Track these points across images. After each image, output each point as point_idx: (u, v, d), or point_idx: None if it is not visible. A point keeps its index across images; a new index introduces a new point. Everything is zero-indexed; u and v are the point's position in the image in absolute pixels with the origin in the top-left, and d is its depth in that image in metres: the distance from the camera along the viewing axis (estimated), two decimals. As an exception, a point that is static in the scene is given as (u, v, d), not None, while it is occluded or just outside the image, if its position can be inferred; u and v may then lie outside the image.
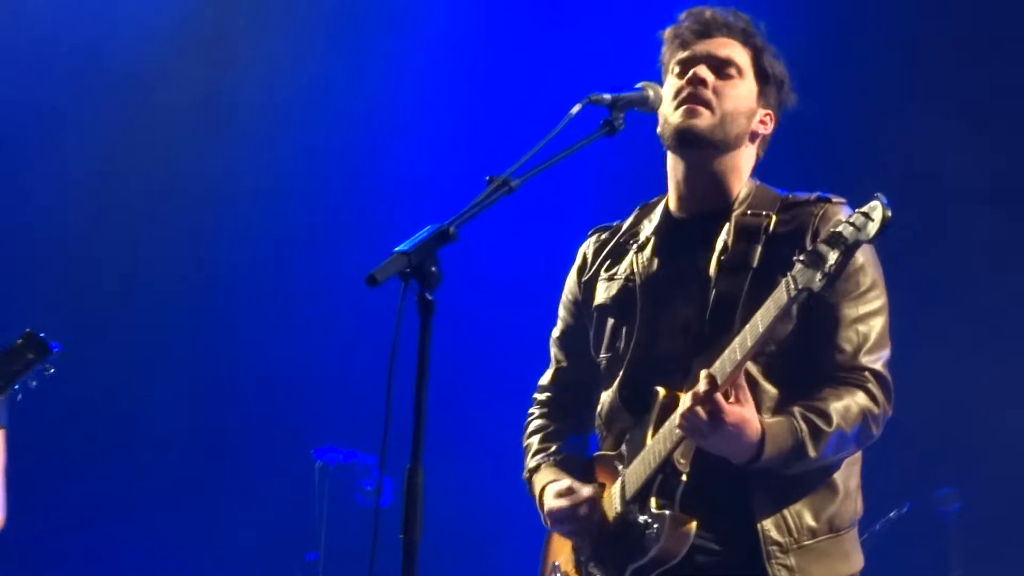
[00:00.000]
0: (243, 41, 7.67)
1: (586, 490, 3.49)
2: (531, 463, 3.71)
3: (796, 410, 3.25)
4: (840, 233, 3.02)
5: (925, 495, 6.24)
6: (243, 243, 7.60)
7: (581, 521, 3.48)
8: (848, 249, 3.02)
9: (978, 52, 6.72)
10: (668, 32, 3.58)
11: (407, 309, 2.74)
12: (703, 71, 3.46)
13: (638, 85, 3.32)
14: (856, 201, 3.11)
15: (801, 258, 3.07)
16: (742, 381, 3.18)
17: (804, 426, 3.23)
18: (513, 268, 7.28)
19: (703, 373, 3.17)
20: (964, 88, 6.71)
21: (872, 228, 2.99)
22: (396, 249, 2.77)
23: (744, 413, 3.16)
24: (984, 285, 6.62)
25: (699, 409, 3.14)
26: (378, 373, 2.76)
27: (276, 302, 7.55)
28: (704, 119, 3.43)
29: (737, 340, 3.16)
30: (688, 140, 3.45)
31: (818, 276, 3.03)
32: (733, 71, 3.48)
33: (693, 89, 3.45)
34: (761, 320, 3.13)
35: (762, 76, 3.51)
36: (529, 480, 3.70)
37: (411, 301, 2.75)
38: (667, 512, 3.27)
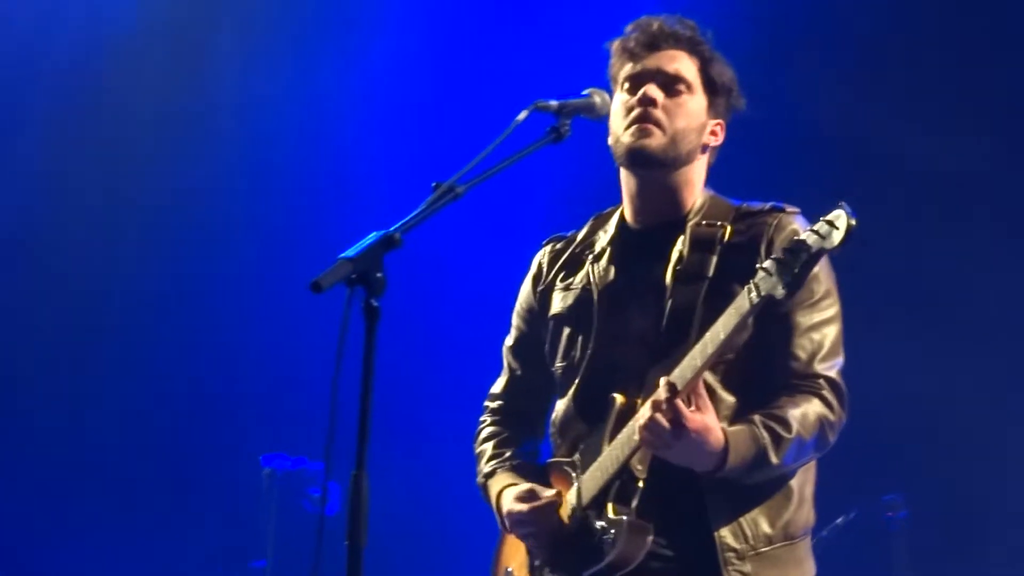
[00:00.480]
0: (201, 45, 7.63)
1: (547, 493, 3.48)
2: (486, 468, 3.70)
3: (756, 418, 3.26)
4: (804, 241, 3.03)
5: (872, 501, 6.27)
6: (189, 251, 7.55)
7: (542, 524, 3.47)
8: (812, 257, 3.03)
9: (950, 51, 6.74)
10: (616, 45, 3.56)
11: (354, 316, 2.73)
12: (653, 90, 3.45)
13: (585, 92, 3.33)
14: (820, 206, 3.10)
15: (764, 265, 3.08)
16: (702, 389, 3.18)
17: (766, 434, 3.23)
18: (465, 274, 7.27)
19: (662, 380, 3.16)
20: (933, 89, 6.71)
21: (837, 236, 3.00)
22: (341, 255, 2.76)
23: (707, 421, 3.16)
24: (934, 291, 6.64)
25: (660, 417, 3.13)
26: (328, 379, 2.75)
27: (224, 308, 7.50)
28: (656, 139, 3.43)
29: (697, 347, 3.17)
30: (640, 160, 3.46)
31: (781, 284, 3.04)
32: (682, 87, 3.48)
33: (643, 110, 3.44)
34: (723, 327, 3.14)
35: (711, 87, 3.51)
36: (484, 485, 3.69)
37: (358, 307, 2.74)
38: (625, 518, 3.26)
